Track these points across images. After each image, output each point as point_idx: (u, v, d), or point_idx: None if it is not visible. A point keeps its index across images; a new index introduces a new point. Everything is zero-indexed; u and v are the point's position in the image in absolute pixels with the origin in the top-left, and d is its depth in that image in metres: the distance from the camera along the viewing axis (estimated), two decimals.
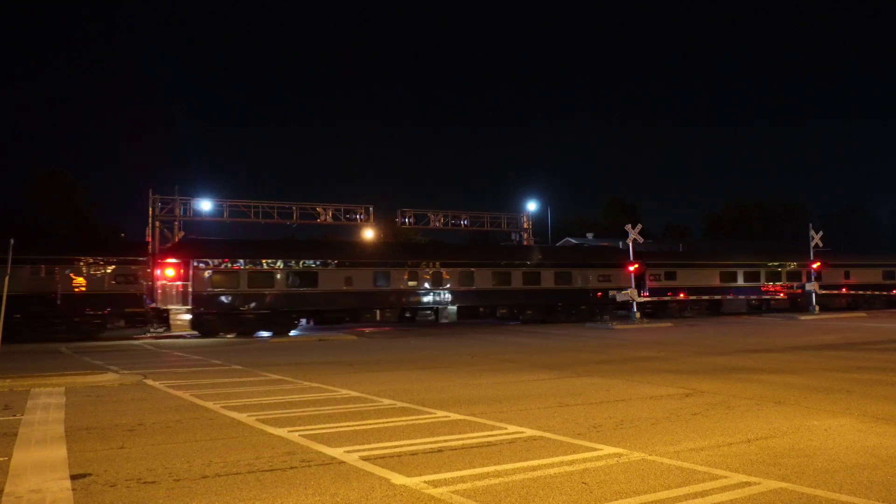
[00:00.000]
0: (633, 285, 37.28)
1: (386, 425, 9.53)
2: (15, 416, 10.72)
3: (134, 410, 11.10)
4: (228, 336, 30.04)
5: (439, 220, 47.25)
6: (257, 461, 7.53)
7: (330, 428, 9.38)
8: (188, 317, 30.17)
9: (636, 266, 37.62)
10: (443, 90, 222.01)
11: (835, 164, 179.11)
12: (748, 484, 6.41)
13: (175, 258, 31.16)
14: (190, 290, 30.14)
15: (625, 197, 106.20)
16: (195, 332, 30.17)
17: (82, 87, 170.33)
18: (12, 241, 22.03)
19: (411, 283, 34.89)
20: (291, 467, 7.26)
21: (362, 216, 44.51)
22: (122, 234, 49.33)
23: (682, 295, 42.01)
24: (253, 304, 31.48)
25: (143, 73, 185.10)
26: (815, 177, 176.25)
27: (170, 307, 30.27)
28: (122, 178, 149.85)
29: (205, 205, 41.74)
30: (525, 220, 50.28)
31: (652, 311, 40.98)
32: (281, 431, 9.14)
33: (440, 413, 10.43)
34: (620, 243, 45.30)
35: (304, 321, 34.38)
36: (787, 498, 5.98)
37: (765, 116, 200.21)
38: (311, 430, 9.23)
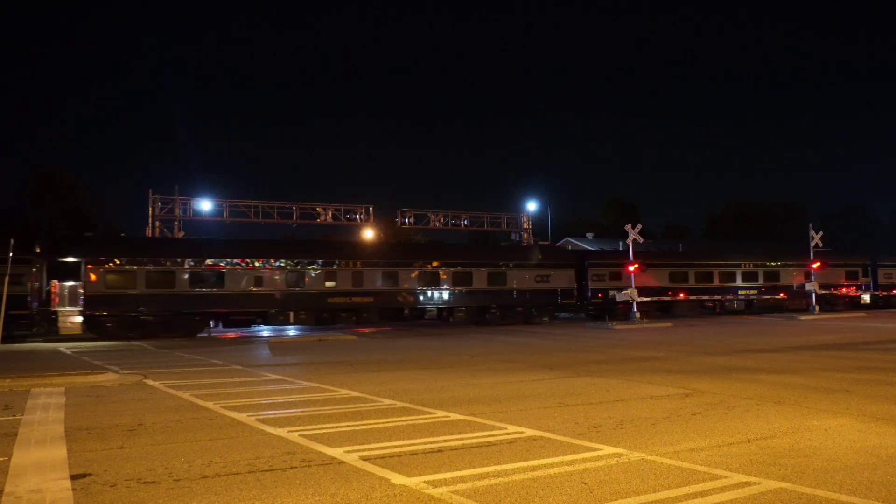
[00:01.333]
0: (633, 285, 37.11)
1: (386, 425, 9.53)
2: (15, 416, 10.71)
3: (134, 410, 11.10)
4: (133, 342, 27.70)
5: (439, 220, 47.27)
6: (257, 461, 7.53)
7: (330, 428, 9.38)
8: (80, 319, 28.30)
9: (636, 265, 37.52)
10: (442, 90, 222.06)
11: (835, 164, 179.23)
12: (748, 484, 6.41)
13: (69, 257, 29.17)
14: (82, 290, 28.41)
15: (625, 197, 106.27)
16: (92, 335, 28.52)
17: (82, 86, 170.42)
18: (12, 241, 22.05)
19: (329, 284, 33.16)
20: (291, 467, 7.26)
21: (362, 216, 44.53)
22: (122, 234, 49.29)
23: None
24: (152, 306, 29.75)
25: (143, 72, 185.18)
26: (815, 177, 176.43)
27: (61, 309, 28.16)
28: (122, 178, 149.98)
29: (205, 205, 41.78)
30: (525, 220, 50.31)
31: (594, 312, 40.02)
32: (281, 431, 9.14)
33: (440, 413, 10.43)
34: (621, 244, 45.32)
35: (212, 324, 32.32)
36: (787, 498, 5.98)
37: (765, 117, 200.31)
38: (311, 430, 9.23)
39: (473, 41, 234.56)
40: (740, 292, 44.41)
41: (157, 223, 40.22)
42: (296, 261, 32.98)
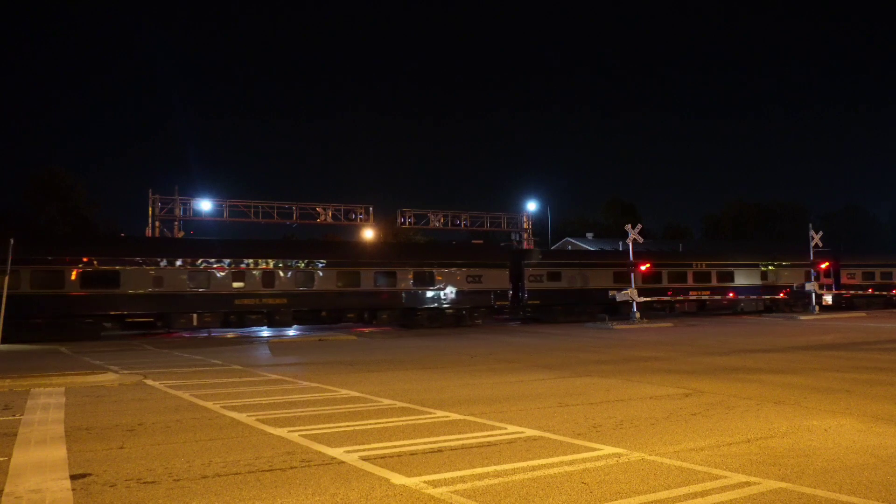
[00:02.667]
0: (633, 285, 37.06)
1: (386, 425, 9.53)
2: (15, 416, 10.71)
3: (134, 410, 11.10)
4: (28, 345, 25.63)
5: (439, 220, 47.29)
6: (257, 461, 7.53)
7: (330, 428, 9.38)
8: None
9: (647, 266, 37.66)
10: (443, 89, 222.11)
11: (835, 164, 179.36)
12: (748, 484, 6.41)
13: None
14: None
15: (625, 197, 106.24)
16: None
17: (81, 86, 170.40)
18: (12, 241, 22.05)
19: (237, 285, 31.64)
20: (291, 467, 7.26)
21: (362, 216, 44.56)
22: (123, 234, 49.31)
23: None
24: (41, 308, 27.75)
25: (142, 72, 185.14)
26: (815, 177, 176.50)
27: None
28: (122, 177, 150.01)
29: (205, 205, 41.81)
30: (525, 220, 50.33)
31: (532, 314, 39.05)
32: (281, 431, 9.14)
33: (440, 413, 10.43)
34: (621, 244, 45.27)
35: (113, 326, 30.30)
36: (787, 498, 5.98)
37: (765, 117, 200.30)
38: (311, 430, 9.23)
39: (473, 41, 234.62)
40: (691, 293, 43.03)
41: (157, 223, 40.25)
42: (200, 260, 31.31)
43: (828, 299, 46.43)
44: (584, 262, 41.82)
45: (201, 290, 31.02)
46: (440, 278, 35.81)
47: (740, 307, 44.81)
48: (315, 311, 33.37)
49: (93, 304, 28.88)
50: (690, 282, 42.93)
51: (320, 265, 33.63)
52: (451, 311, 35.90)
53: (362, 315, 34.47)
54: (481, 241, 48.69)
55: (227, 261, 31.82)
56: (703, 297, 43.33)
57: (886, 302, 49.01)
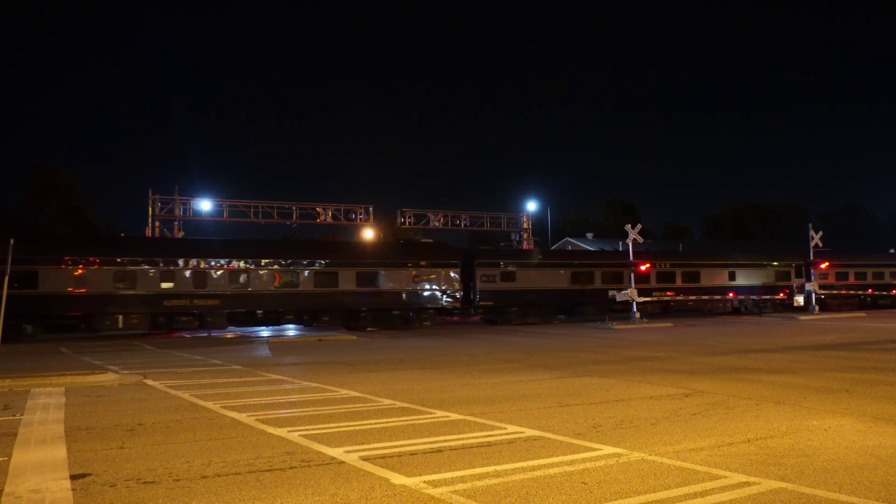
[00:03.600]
0: (633, 285, 37.05)
1: (386, 425, 9.53)
2: (15, 416, 10.71)
3: (134, 410, 11.10)
4: None
5: (439, 220, 47.32)
6: (257, 461, 7.53)
7: (330, 428, 9.38)
8: None
9: (647, 265, 37.62)
10: (442, 89, 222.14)
11: (835, 164, 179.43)
12: (748, 484, 6.41)
13: None
14: None
15: (625, 197, 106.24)
16: None
17: (81, 85, 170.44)
18: (12, 242, 22.05)
19: (166, 285, 30.51)
20: (291, 467, 7.26)
21: (362, 216, 44.58)
22: (123, 234, 49.31)
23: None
24: None
25: (142, 72, 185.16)
26: (816, 177, 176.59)
27: None
28: (122, 177, 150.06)
29: (204, 205, 41.84)
30: (525, 220, 50.36)
31: (485, 316, 38.27)
32: (281, 431, 9.14)
33: (440, 413, 10.43)
34: (620, 244, 45.24)
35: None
36: (787, 498, 5.98)
37: (766, 117, 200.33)
38: (311, 430, 9.23)
39: (473, 40, 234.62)
40: (654, 293, 41.27)
41: (157, 223, 40.27)
42: (126, 259, 30.33)
43: (799, 300, 45.34)
44: (541, 262, 40.13)
45: (128, 290, 29.86)
46: (386, 279, 34.73)
47: (707, 308, 43.69)
48: (251, 313, 32.31)
49: (10, 305, 26.27)
50: (653, 282, 41.32)
51: (256, 265, 32.48)
52: (398, 312, 34.73)
53: (302, 317, 33.40)
54: (431, 241, 46.83)
55: (159, 260, 30.80)
56: (666, 298, 41.82)
57: (860, 303, 47.48)
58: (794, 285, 45.90)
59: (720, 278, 43.85)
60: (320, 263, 33.79)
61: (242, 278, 32.19)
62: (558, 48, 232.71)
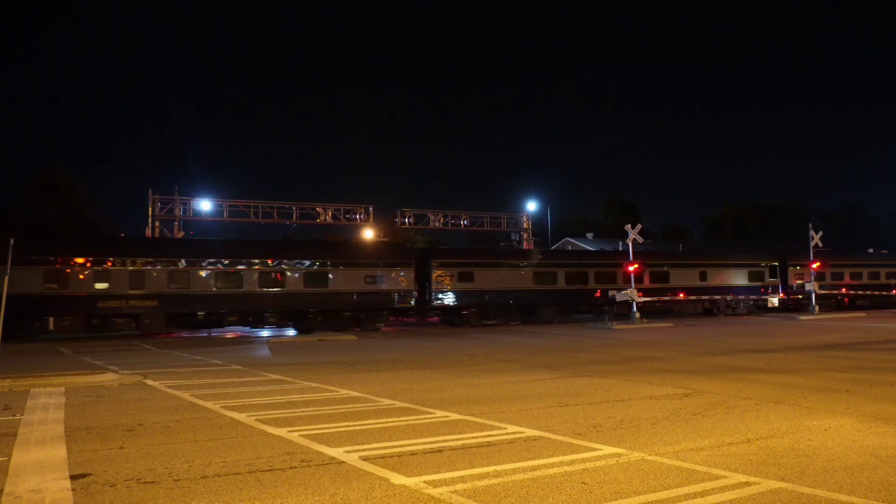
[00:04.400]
0: (633, 285, 36.99)
1: (386, 425, 9.53)
2: (15, 416, 10.71)
3: (134, 410, 11.10)
4: None
5: (439, 220, 47.33)
6: (257, 461, 7.53)
7: (330, 428, 9.37)
8: None
9: (636, 266, 37.39)
10: (443, 88, 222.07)
11: (835, 164, 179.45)
12: (748, 484, 6.41)
13: None
14: None
15: (625, 197, 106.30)
16: None
17: (81, 85, 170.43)
18: (12, 241, 22.04)
19: (100, 286, 29.39)
20: (291, 467, 7.26)
21: (362, 216, 44.58)
22: (123, 234, 49.30)
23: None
24: None
25: (142, 72, 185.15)
26: (816, 177, 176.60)
27: None
28: (123, 177, 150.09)
29: (204, 205, 41.85)
30: (525, 220, 50.36)
31: (443, 318, 37.28)
32: (281, 431, 9.14)
33: (440, 413, 10.43)
34: (621, 244, 45.21)
35: None
36: (787, 498, 5.98)
37: (766, 117, 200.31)
38: (311, 430, 9.23)
39: (473, 40, 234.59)
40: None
41: (157, 223, 40.27)
42: (57, 258, 29.06)
43: (774, 301, 44.09)
44: (500, 262, 38.94)
45: (60, 291, 28.71)
46: (336, 279, 33.49)
47: (676, 310, 42.77)
48: (191, 315, 31.15)
49: None
50: (619, 282, 40.15)
51: (196, 265, 31.29)
52: (348, 313, 33.56)
53: (246, 318, 32.21)
54: (386, 240, 45.21)
55: (90, 259, 29.46)
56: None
57: (837, 304, 46.34)
58: (769, 286, 44.84)
59: (690, 279, 42.44)
60: (265, 263, 32.53)
61: (182, 279, 30.92)
62: (558, 48, 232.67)
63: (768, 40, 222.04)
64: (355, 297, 33.75)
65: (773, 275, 45.40)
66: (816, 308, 42.10)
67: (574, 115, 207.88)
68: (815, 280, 43.52)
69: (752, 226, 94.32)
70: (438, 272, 36.03)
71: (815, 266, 43.65)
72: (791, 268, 46.02)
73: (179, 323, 31.21)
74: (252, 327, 32.98)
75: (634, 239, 37.59)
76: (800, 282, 45.18)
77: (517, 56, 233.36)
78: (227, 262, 31.90)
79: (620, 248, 45.01)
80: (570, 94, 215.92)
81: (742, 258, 45.77)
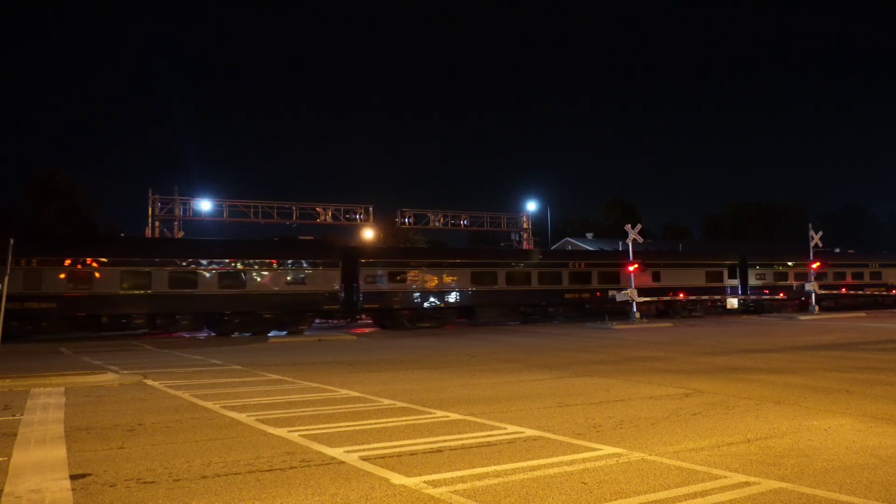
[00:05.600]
0: (633, 285, 36.92)
1: (385, 425, 9.53)
2: (15, 416, 10.71)
3: (134, 410, 11.10)
4: None
5: (439, 221, 47.34)
6: (257, 461, 7.53)
7: (329, 428, 9.37)
8: None
9: (636, 266, 37.37)
10: (443, 88, 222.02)
11: (835, 164, 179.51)
12: (748, 484, 6.41)
13: None
14: None
15: (625, 197, 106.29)
16: None
17: (81, 85, 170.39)
18: (12, 241, 22.03)
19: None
20: (291, 467, 7.26)
21: (362, 216, 44.60)
22: (122, 234, 49.26)
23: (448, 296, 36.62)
24: None
25: (141, 72, 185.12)
26: (816, 177, 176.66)
27: None
28: (123, 177, 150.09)
29: (204, 205, 41.87)
30: (525, 220, 50.39)
31: (375, 320, 36.01)
32: (280, 431, 9.14)
33: (440, 413, 10.43)
34: (620, 244, 45.16)
35: None
36: (787, 498, 5.98)
37: (766, 117, 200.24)
38: (311, 430, 9.23)
39: (473, 40, 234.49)
40: (567, 295, 39.26)
41: (157, 223, 40.27)
42: None
43: (733, 303, 42.39)
44: (434, 262, 37.17)
45: None
46: (254, 279, 31.94)
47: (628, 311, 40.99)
48: (94, 317, 29.43)
49: None
50: (566, 283, 39.11)
51: (99, 264, 29.55)
52: (269, 315, 31.91)
53: (154, 321, 30.54)
54: (311, 238, 42.73)
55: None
56: (584, 298, 39.72)
57: (801, 305, 44.80)
58: (728, 286, 43.15)
59: (641, 279, 39.79)
60: (176, 263, 30.98)
61: (84, 279, 29.23)
62: (558, 48, 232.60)
63: (768, 40, 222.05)
64: (275, 298, 32.11)
65: (732, 275, 43.72)
66: (816, 308, 42.09)
67: (574, 115, 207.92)
68: (816, 280, 43.40)
69: (752, 226, 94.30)
70: (367, 272, 34.56)
71: (814, 266, 43.58)
72: (751, 268, 44.52)
73: (81, 326, 29.47)
74: (164, 331, 31.37)
75: (635, 239, 37.56)
76: (799, 283, 45.00)
77: (517, 56, 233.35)
78: (137, 261, 30.50)
79: (620, 248, 44.96)
80: (570, 94, 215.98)
81: (698, 258, 44.18)
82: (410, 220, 46.90)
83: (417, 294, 35.66)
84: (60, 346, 25.40)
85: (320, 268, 33.04)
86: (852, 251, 57.45)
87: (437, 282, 36.06)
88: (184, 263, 31.04)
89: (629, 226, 38.11)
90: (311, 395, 12.57)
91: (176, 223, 41.23)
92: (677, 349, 21.10)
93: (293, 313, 32.38)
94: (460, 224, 48.51)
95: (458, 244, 69.69)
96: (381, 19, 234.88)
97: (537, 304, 38.87)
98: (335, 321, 36.74)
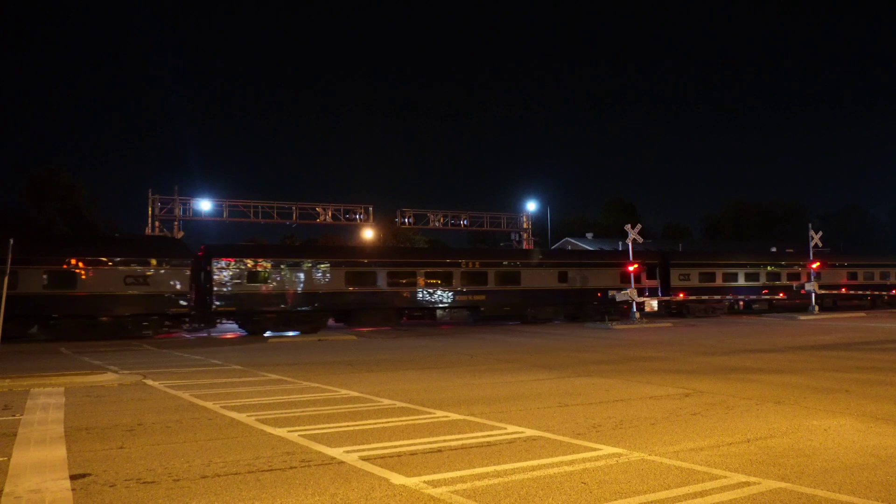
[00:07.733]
0: (633, 285, 36.86)
1: (385, 425, 9.53)
2: (14, 416, 10.70)
3: (133, 410, 11.09)
4: None
5: (439, 220, 47.34)
6: (257, 461, 7.52)
7: (329, 428, 9.37)
8: None
9: (636, 266, 37.34)
10: (443, 87, 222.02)
11: (835, 164, 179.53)
12: (748, 484, 6.40)
13: None
14: None
15: (625, 197, 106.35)
16: None
17: (81, 85, 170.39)
18: (12, 241, 22.01)
19: None
20: (291, 467, 7.26)
21: (362, 216, 44.59)
22: (117, 234, 49.23)
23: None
24: None
25: (141, 71, 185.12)
26: (816, 177, 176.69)
27: None
28: (123, 177, 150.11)
29: (204, 205, 41.86)
30: (525, 220, 50.37)
31: (242, 324, 32.83)
32: (280, 431, 9.14)
33: (440, 413, 10.43)
34: (620, 244, 45.16)
35: None
36: (787, 498, 5.98)
37: (765, 116, 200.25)
38: (311, 430, 9.23)
39: (473, 39, 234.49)
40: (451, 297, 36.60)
41: (157, 223, 40.26)
42: None
43: (653, 305, 39.87)
44: (298, 260, 33.74)
45: None
46: (87, 279, 28.94)
47: (532, 315, 38.31)
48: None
49: None
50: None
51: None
52: (106, 319, 29.15)
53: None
54: (161, 234, 40.26)
55: None
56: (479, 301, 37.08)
57: (729, 308, 43.60)
58: (646, 288, 40.33)
59: (545, 280, 38.34)
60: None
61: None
62: (558, 47, 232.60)
63: (769, 40, 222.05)
64: (113, 300, 29.22)
65: (651, 276, 41.25)
66: (816, 308, 42.09)
67: (574, 115, 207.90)
68: (815, 280, 43.38)
69: (752, 226, 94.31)
70: (223, 272, 31.40)
71: (814, 266, 43.62)
72: (673, 269, 42.26)
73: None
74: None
75: (634, 239, 37.53)
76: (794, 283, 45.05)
77: (517, 56, 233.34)
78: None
79: (620, 248, 44.95)
80: (570, 94, 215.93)
81: (611, 257, 41.72)
82: (410, 220, 46.91)
83: (281, 296, 32.43)
84: (60, 346, 25.39)
85: (167, 268, 30.24)
86: (828, 250, 57.10)
87: (307, 283, 33.01)
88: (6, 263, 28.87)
89: (629, 226, 38.09)
90: (311, 395, 12.57)
91: (176, 223, 41.22)
92: (677, 349, 21.10)
93: (136, 317, 29.69)
94: (460, 224, 48.52)
95: (459, 244, 69.74)
96: (381, 19, 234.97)
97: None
98: (187, 326, 32.71)
